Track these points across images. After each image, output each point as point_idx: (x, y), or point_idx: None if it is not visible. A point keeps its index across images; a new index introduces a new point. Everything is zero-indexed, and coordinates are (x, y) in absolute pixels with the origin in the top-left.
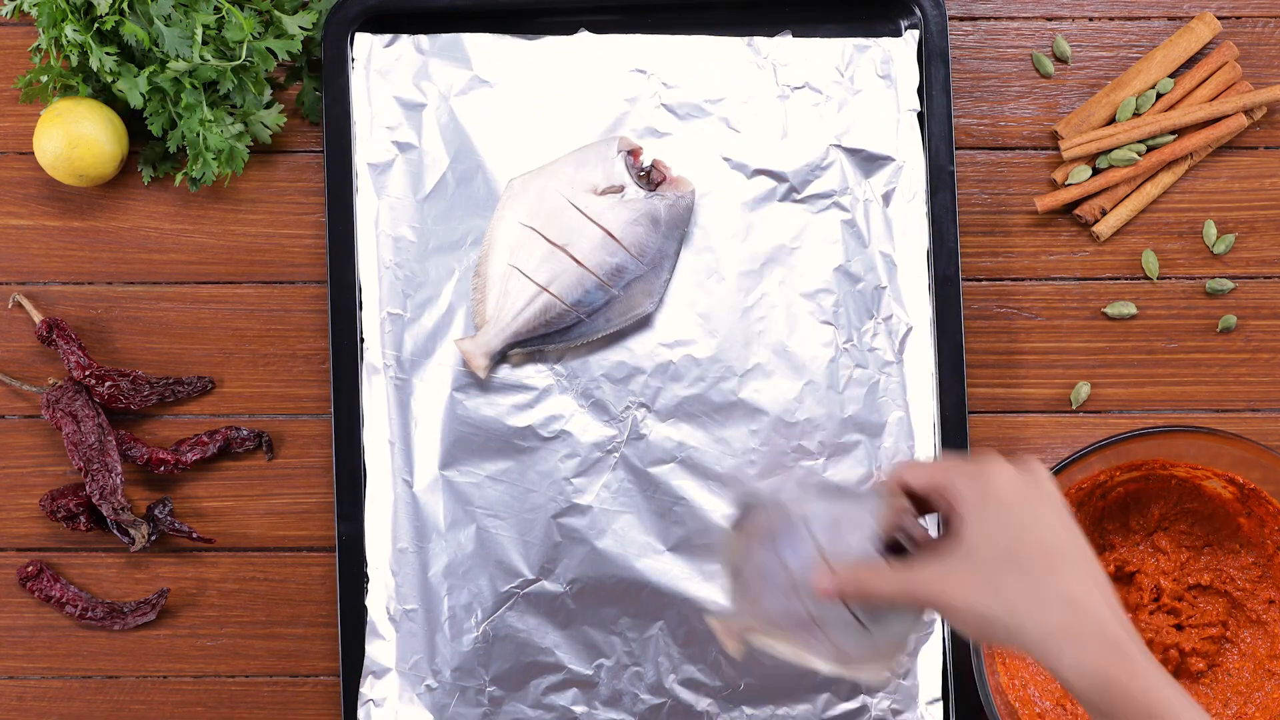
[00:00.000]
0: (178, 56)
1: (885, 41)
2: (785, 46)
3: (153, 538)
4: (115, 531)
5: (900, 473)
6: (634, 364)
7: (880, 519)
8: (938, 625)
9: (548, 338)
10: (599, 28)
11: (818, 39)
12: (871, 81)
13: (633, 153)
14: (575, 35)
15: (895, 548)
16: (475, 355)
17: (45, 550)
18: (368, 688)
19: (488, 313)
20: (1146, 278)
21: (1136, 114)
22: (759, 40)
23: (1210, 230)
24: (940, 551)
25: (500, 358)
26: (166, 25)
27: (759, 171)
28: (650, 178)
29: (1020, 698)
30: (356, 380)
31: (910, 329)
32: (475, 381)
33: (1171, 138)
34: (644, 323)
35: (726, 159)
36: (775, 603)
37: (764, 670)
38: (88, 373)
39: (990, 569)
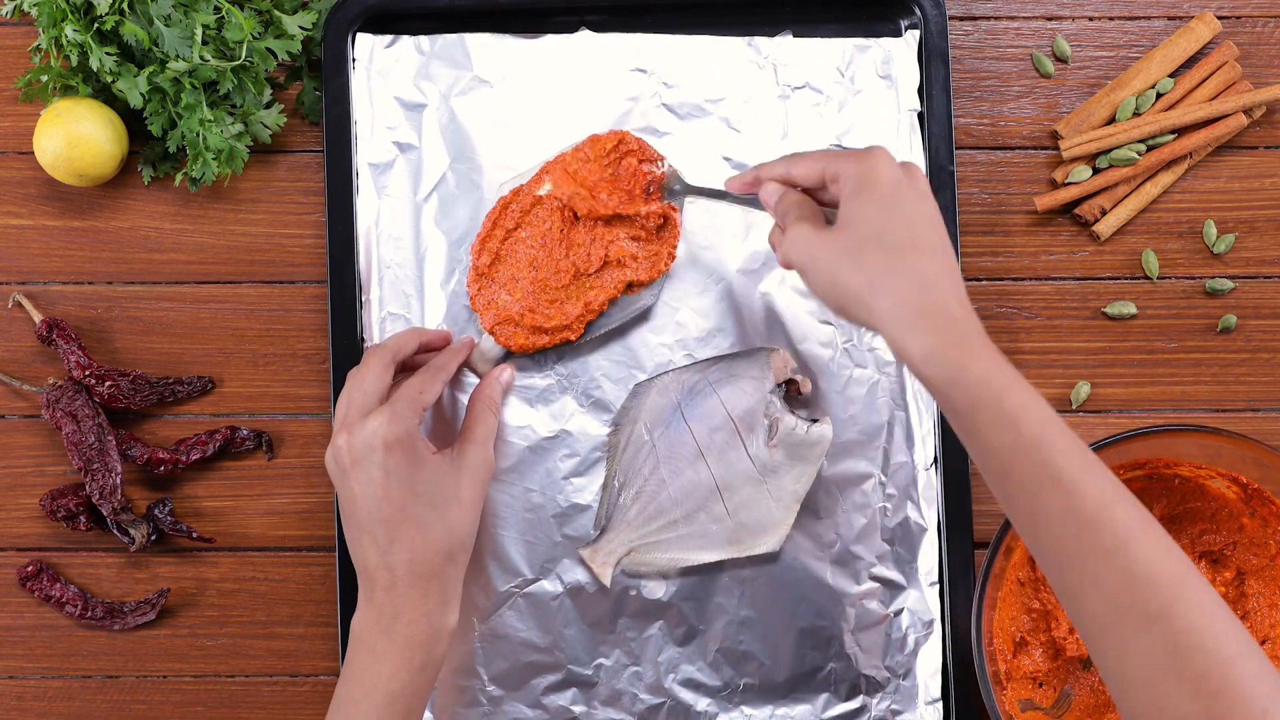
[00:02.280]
0: (178, 56)
1: (886, 41)
2: (786, 46)
3: (153, 538)
4: (115, 531)
5: (787, 165)
6: (634, 364)
7: (773, 370)
8: (937, 626)
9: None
10: (599, 27)
11: (818, 39)
12: (872, 81)
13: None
14: (576, 35)
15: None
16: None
17: (45, 550)
18: None
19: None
20: (1146, 278)
21: (1136, 114)
22: (759, 40)
23: (1210, 230)
24: (820, 222)
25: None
26: (166, 25)
27: None
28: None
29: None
30: None
31: None
32: (476, 379)
33: (1171, 137)
34: (643, 318)
35: (727, 158)
36: (679, 479)
37: (764, 670)
38: (88, 373)
39: (858, 243)
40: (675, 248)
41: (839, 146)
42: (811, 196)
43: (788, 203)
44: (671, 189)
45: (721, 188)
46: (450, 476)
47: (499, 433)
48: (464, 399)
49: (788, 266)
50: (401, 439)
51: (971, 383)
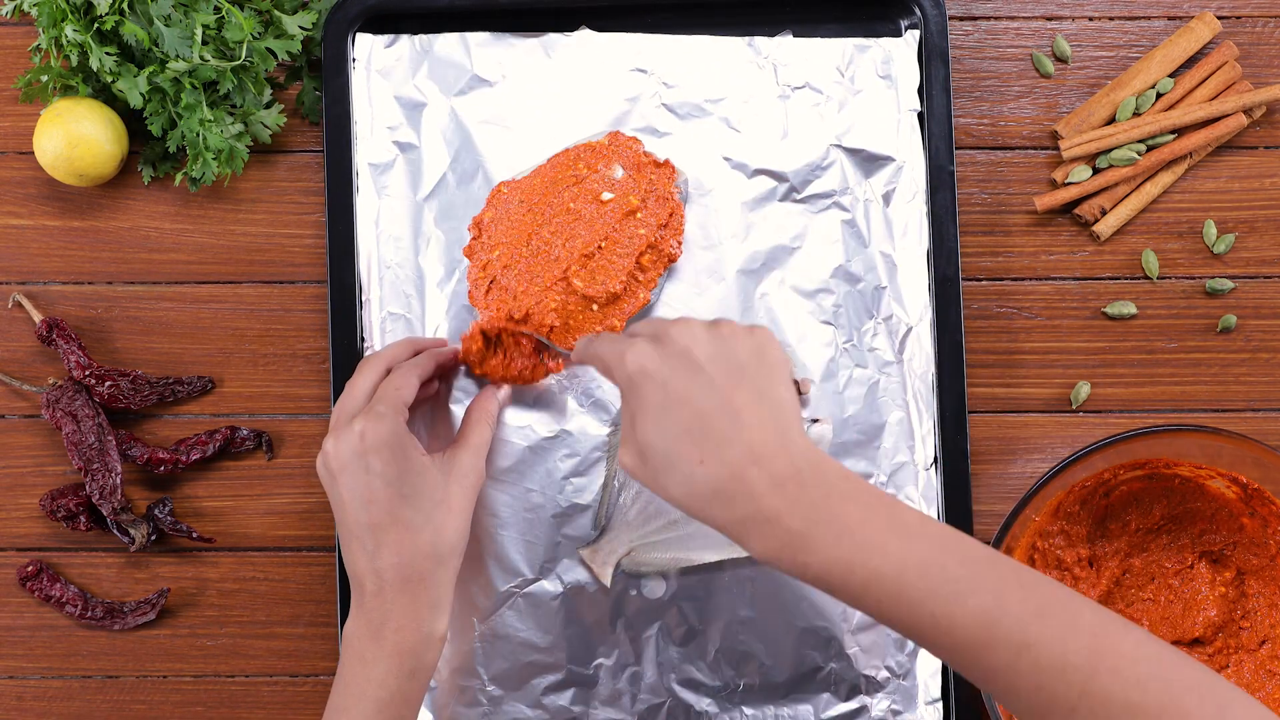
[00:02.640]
0: (178, 56)
1: (886, 41)
2: (786, 46)
3: (153, 538)
4: (115, 531)
5: (584, 357)
6: None
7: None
8: None
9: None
10: (599, 27)
11: (818, 39)
12: (872, 81)
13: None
14: (575, 34)
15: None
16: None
17: (45, 550)
18: None
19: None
20: (1146, 277)
21: (1136, 114)
22: (759, 40)
23: (1210, 230)
24: (634, 443)
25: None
26: (166, 25)
27: (759, 171)
28: None
29: None
30: None
31: (910, 329)
32: (476, 378)
33: (1171, 137)
34: (643, 318)
35: (727, 159)
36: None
37: (764, 670)
38: (88, 373)
39: (656, 472)
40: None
41: (839, 147)
42: None
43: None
44: (555, 351)
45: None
46: (440, 480)
47: (499, 432)
48: (459, 413)
49: None
50: (386, 439)
51: (816, 576)
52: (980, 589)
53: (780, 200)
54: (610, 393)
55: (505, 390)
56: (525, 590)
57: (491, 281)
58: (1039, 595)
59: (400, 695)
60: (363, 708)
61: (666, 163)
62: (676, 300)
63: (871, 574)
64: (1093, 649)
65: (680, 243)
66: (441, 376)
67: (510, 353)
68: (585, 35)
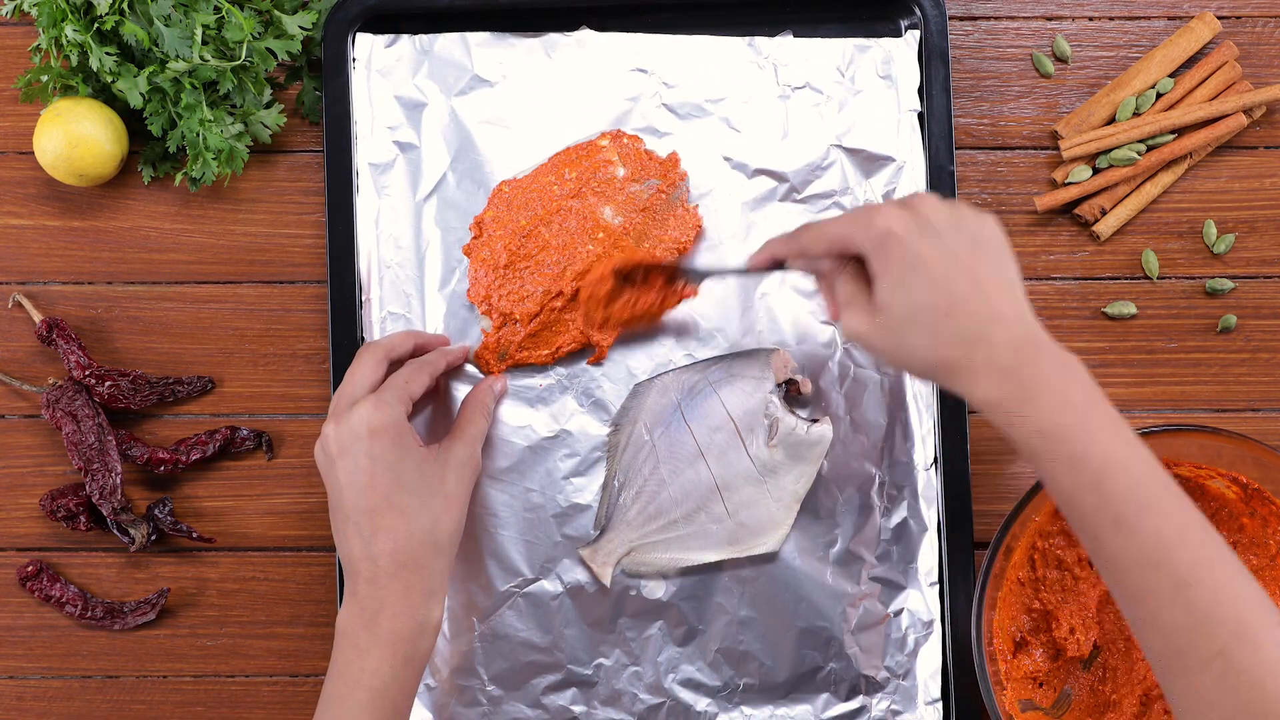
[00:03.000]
0: (178, 56)
1: (886, 42)
2: (786, 46)
3: (153, 538)
4: (115, 531)
5: (800, 242)
6: (634, 364)
7: (773, 370)
8: (937, 626)
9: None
10: (600, 27)
11: (819, 39)
12: (872, 82)
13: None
14: (576, 34)
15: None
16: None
17: (45, 550)
18: None
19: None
20: (1146, 277)
21: (1136, 114)
22: (760, 40)
23: (1210, 230)
24: (867, 304)
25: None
26: (166, 25)
27: (759, 171)
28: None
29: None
30: None
31: None
32: (476, 378)
33: (1171, 137)
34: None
35: (727, 159)
36: (679, 479)
37: (764, 670)
38: (88, 373)
39: (897, 326)
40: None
41: (839, 147)
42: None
43: (825, 286)
44: (692, 274)
45: (740, 266)
46: (437, 469)
47: (499, 432)
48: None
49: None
50: (388, 426)
51: (1030, 433)
52: (1170, 512)
53: (780, 200)
54: (611, 393)
55: (502, 381)
56: (525, 590)
57: (492, 280)
58: (1215, 545)
59: (395, 683)
60: (357, 696)
61: (673, 155)
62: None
63: (1078, 453)
64: (1241, 619)
65: (694, 237)
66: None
67: (639, 289)
68: (585, 35)
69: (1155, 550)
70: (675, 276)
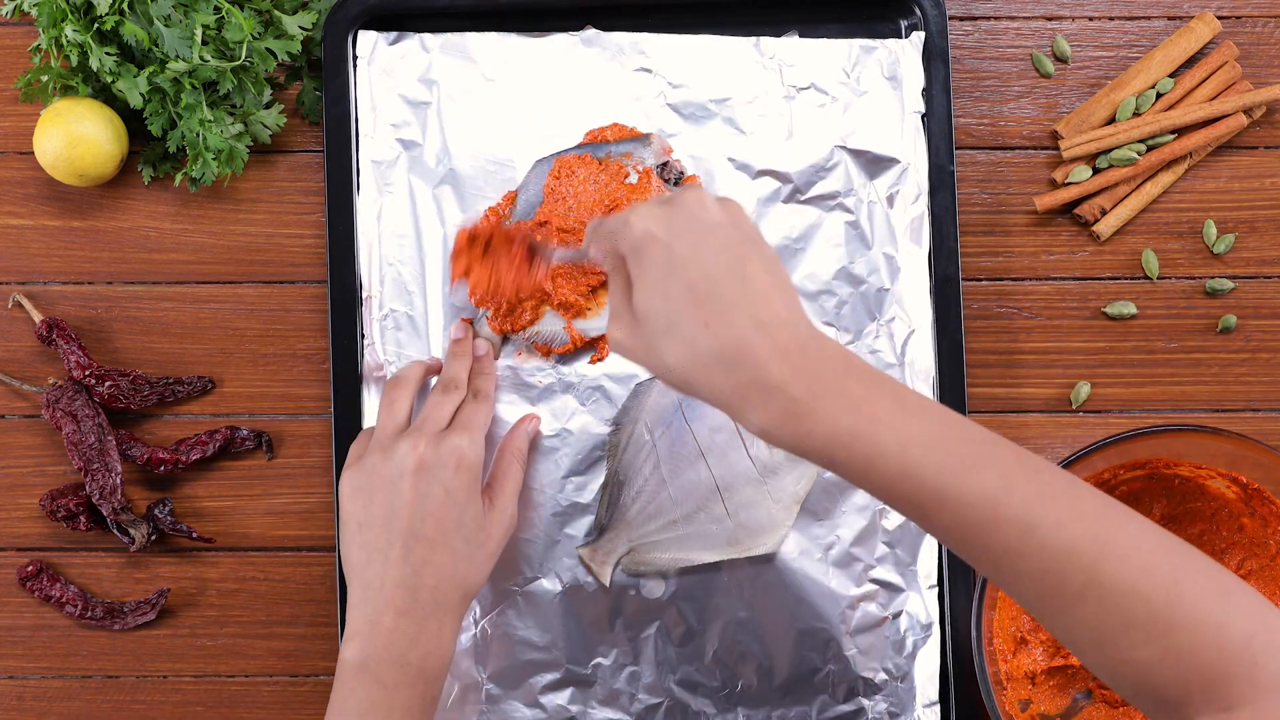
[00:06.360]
0: (178, 57)
1: (892, 43)
2: (791, 47)
3: (153, 538)
4: (115, 531)
5: (586, 241)
6: (634, 364)
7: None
8: (935, 629)
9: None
10: (604, 26)
11: (824, 40)
12: (877, 83)
13: (665, 165)
14: (580, 34)
15: None
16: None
17: (45, 550)
18: None
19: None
20: (1146, 278)
21: (1136, 114)
22: (765, 41)
23: (1210, 230)
24: (631, 313)
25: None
26: (166, 25)
27: (764, 172)
28: None
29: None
30: (356, 380)
31: (912, 332)
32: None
33: (1171, 137)
34: None
35: (731, 159)
36: (679, 479)
37: (762, 671)
38: (88, 373)
39: (653, 338)
40: None
41: (843, 149)
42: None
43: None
44: (544, 251)
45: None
46: (486, 523)
47: (500, 431)
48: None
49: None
50: (474, 467)
51: (819, 449)
52: (985, 466)
53: (784, 201)
54: (612, 392)
55: (535, 422)
56: (525, 589)
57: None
58: (1043, 478)
59: None
60: None
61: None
62: None
63: (876, 448)
64: (1098, 534)
65: None
66: None
67: (499, 260)
68: (590, 34)
69: (987, 509)
70: (533, 255)
